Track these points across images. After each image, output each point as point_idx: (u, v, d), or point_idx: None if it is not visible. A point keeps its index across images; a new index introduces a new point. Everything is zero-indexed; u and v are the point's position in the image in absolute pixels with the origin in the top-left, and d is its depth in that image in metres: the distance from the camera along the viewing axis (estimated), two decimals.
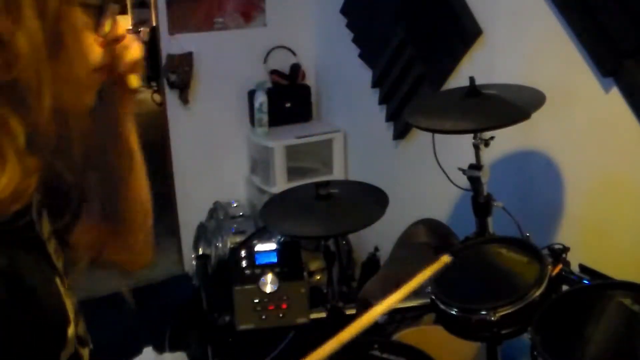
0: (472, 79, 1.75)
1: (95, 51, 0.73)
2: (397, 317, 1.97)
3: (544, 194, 2.10)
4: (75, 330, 0.75)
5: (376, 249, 2.87)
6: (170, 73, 3.27)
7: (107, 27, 0.73)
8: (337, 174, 3.36)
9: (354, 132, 3.30)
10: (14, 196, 0.65)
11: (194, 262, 3.27)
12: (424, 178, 2.63)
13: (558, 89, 1.88)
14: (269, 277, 1.72)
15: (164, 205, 3.38)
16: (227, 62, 3.37)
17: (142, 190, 0.92)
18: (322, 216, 1.78)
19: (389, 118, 2.87)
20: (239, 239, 3.04)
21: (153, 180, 0.92)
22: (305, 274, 1.77)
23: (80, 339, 0.77)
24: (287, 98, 3.44)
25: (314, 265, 2.67)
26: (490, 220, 1.81)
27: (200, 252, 3.28)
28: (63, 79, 0.68)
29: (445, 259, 1.10)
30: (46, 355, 0.71)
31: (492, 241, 1.65)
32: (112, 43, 0.75)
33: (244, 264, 1.78)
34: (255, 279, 1.72)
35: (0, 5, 0.63)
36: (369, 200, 1.83)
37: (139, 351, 2.28)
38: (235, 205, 3.36)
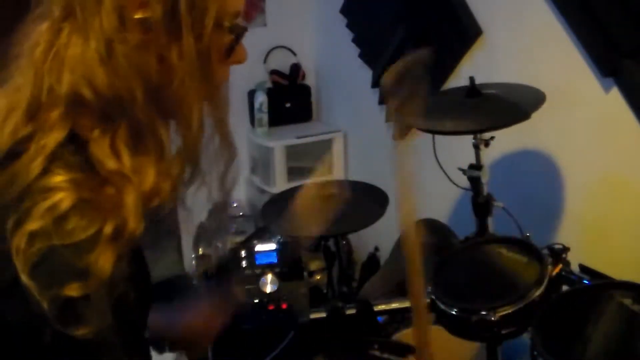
0: (472, 79, 1.75)
1: (224, 70, 0.82)
2: (397, 317, 1.97)
3: (544, 194, 2.10)
4: None
5: (376, 249, 2.87)
6: None
7: (238, 51, 0.81)
8: (337, 174, 3.36)
9: (354, 132, 3.30)
10: (151, 192, 0.75)
11: (194, 262, 3.27)
12: (424, 178, 2.63)
13: (558, 89, 1.88)
14: (269, 277, 1.72)
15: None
16: None
17: None
18: None
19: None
20: (239, 239, 3.04)
21: None
22: (305, 274, 1.76)
23: None
24: (287, 98, 3.44)
25: (314, 265, 2.66)
26: (490, 220, 1.81)
27: (200, 252, 3.28)
28: (207, 94, 0.77)
29: None
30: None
31: (492, 241, 1.65)
32: (235, 64, 0.83)
33: (244, 264, 1.77)
34: (255, 279, 1.72)
35: (161, 23, 0.71)
36: (369, 200, 1.83)
37: None
38: (235, 205, 3.35)
